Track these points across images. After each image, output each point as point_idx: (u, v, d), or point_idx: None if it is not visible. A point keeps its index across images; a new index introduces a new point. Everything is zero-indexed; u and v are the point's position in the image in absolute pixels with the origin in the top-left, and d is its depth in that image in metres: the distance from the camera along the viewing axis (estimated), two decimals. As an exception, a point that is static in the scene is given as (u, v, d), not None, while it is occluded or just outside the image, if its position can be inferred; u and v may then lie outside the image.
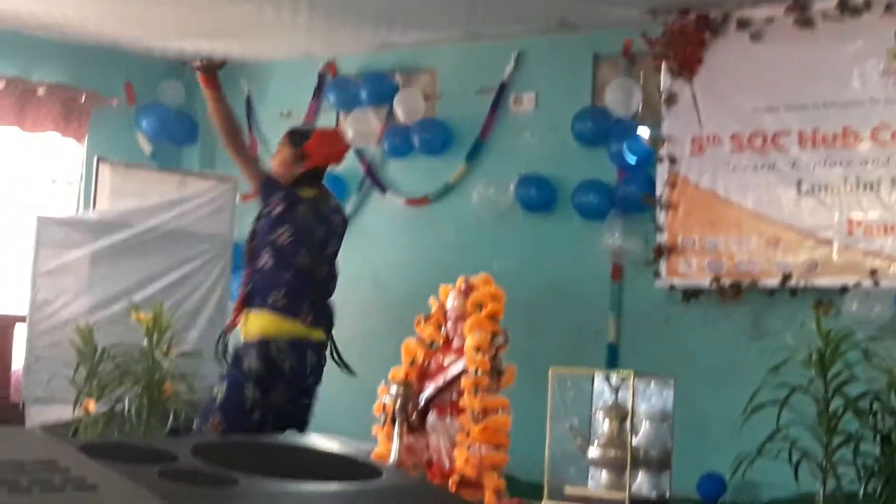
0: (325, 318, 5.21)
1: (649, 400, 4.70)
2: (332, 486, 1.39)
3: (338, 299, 5.28)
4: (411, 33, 8.60)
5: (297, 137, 5.38)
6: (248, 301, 5.17)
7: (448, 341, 5.60)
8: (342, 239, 5.37)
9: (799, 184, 7.32)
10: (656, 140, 7.79)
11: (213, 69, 5.52)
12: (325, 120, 9.04)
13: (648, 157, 7.86)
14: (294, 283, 5.12)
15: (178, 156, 9.69)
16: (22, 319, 7.99)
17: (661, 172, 7.74)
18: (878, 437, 4.37)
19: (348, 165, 7.53)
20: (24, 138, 8.96)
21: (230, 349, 5.19)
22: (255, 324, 5.12)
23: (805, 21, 7.32)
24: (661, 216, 7.71)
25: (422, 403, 5.47)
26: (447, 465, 5.33)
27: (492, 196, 8.35)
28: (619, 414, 4.60)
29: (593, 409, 4.69)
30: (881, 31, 7.14)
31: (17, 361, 8.02)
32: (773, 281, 7.33)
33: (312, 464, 1.47)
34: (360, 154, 8.95)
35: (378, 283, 8.64)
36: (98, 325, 7.16)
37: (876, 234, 7.08)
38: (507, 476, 5.44)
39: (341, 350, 5.21)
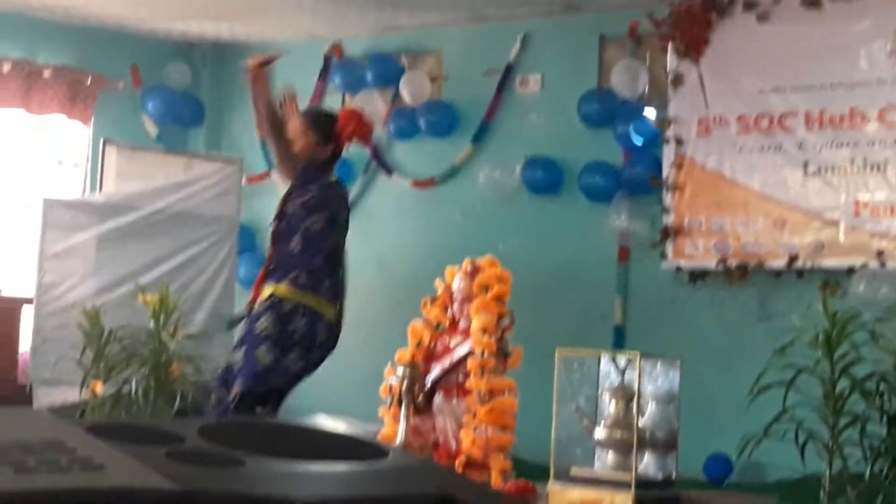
0: (342, 298, 5.35)
1: (655, 381, 4.70)
2: (339, 467, 1.39)
3: (344, 281, 5.36)
4: (417, 15, 8.58)
5: (320, 121, 5.47)
6: (268, 277, 5.26)
7: (454, 323, 5.61)
8: None
9: (805, 165, 7.31)
10: (662, 121, 7.77)
11: (269, 63, 5.55)
12: (331, 102, 9.03)
13: (655, 139, 7.85)
14: (320, 266, 5.28)
15: (184, 138, 9.69)
16: (29, 302, 8.00)
17: (668, 154, 7.73)
18: (885, 418, 4.37)
19: (354, 148, 7.52)
20: (30, 120, 8.97)
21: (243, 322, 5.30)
22: (271, 290, 5.24)
23: (812, 1, 7.30)
24: (668, 198, 7.70)
25: (428, 385, 5.48)
26: (454, 446, 5.34)
27: (498, 178, 8.35)
28: (626, 395, 4.61)
29: (600, 390, 4.69)
30: (888, 11, 7.11)
31: (25, 344, 8.04)
32: (779, 262, 7.33)
33: (319, 444, 1.48)
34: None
35: (384, 266, 8.64)
36: (105, 307, 7.17)
37: (883, 215, 7.07)
38: (513, 457, 5.45)
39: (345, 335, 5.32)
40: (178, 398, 6.28)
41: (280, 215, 5.35)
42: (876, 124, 7.12)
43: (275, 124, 5.45)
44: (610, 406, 4.58)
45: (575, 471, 4.50)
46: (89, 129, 9.13)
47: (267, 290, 5.28)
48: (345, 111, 5.79)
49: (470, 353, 5.36)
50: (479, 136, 8.57)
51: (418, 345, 5.64)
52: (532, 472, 5.69)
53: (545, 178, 8.22)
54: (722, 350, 7.39)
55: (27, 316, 8.03)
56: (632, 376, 4.54)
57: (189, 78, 9.56)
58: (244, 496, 0.86)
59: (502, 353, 5.36)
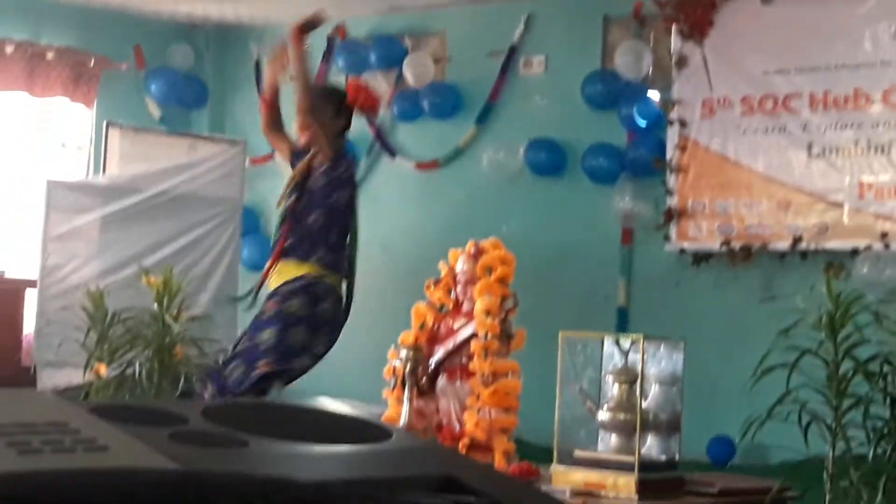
0: (353, 277, 5.49)
1: (659, 363, 4.70)
2: (342, 448, 1.39)
3: (347, 263, 5.41)
4: (420, -4, 8.58)
5: (331, 95, 5.55)
6: (288, 253, 5.30)
7: (458, 305, 5.61)
8: None
9: (810, 146, 7.30)
10: (666, 103, 7.76)
11: (314, 28, 5.57)
12: (334, 84, 9.02)
13: (659, 121, 7.84)
14: (339, 243, 5.40)
15: (187, 120, 9.68)
16: (33, 284, 8.01)
17: (672, 136, 7.72)
18: (888, 400, 4.38)
19: (357, 129, 7.52)
20: (34, 103, 8.96)
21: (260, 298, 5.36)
22: (300, 270, 5.32)
23: (816, -17, 7.28)
24: (672, 180, 7.70)
25: (432, 367, 5.49)
26: (457, 428, 5.34)
27: (501, 160, 8.34)
28: (629, 378, 4.61)
29: (603, 372, 4.69)
30: (893, -8, 7.10)
31: (29, 325, 8.05)
32: (783, 244, 7.32)
33: (323, 426, 1.48)
34: (369, 118, 8.94)
35: (387, 248, 8.64)
36: (108, 289, 7.17)
37: (887, 196, 7.06)
38: (516, 439, 5.46)
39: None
40: (182, 380, 6.28)
41: (299, 191, 5.38)
42: (880, 106, 7.10)
43: (310, 95, 5.48)
44: (613, 388, 4.58)
45: (578, 453, 4.50)
46: (92, 112, 9.13)
47: (292, 269, 5.31)
48: (351, 84, 5.85)
49: (473, 336, 5.36)
50: (483, 118, 8.56)
51: (422, 327, 5.64)
52: (535, 454, 5.70)
53: (549, 159, 8.21)
54: (725, 332, 7.39)
55: (31, 298, 8.04)
56: (635, 358, 4.54)
57: (192, 59, 9.55)
58: (247, 477, 0.86)
59: (506, 336, 5.36)
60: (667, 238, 7.71)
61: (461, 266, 5.55)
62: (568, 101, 8.17)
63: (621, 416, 4.51)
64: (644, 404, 4.53)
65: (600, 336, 4.85)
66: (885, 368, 4.42)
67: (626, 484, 4.29)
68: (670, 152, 7.71)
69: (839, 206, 7.19)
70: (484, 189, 8.45)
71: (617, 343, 4.67)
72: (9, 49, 8.66)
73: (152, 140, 8.85)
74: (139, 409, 1.34)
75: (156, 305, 6.53)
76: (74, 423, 1.18)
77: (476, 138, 8.57)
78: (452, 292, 5.63)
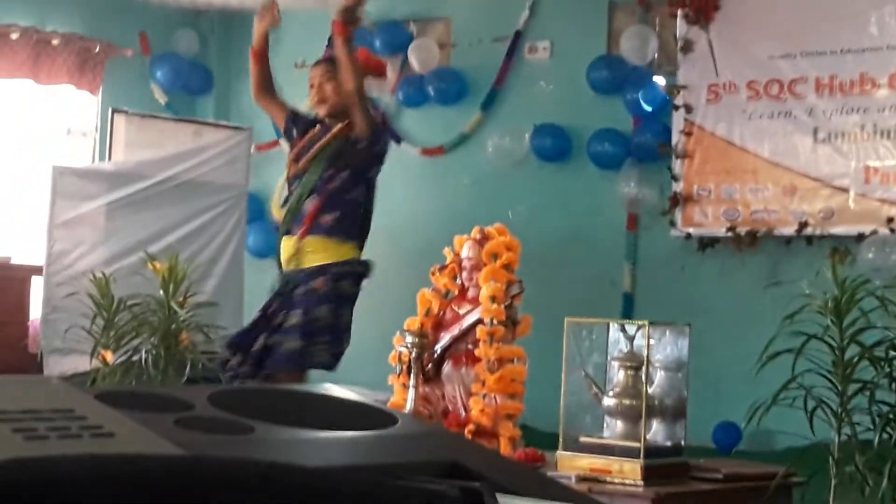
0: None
1: (664, 349, 4.70)
2: (348, 434, 1.40)
3: (353, 249, 5.44)
4: (425, -18, 8.56)
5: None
6: (331, 231, 5.30)
7: (463, 291, 5.60)
8: None
9: (815, 131, 7.29)
10: (672, 88, 7.75)
11: (356, 15, 5.54)
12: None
13: (664, 106, 7.83)
14: (369, 219, 5.51)
15: (192, 106, 9.68)
16: (39, 271, 8.02)
17: (677, 121, 7.72)
18: (894, 385, 4.37)
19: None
20: (39, 90, 8.95)
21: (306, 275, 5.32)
22: (348, 251, 5.36)
23: (822, -33, 7.27)
24: (677, 165, 7.69)
25: (437, 353, 5.49)
26: (463, 414, 5.35)
27: (507, 145, 8.34)
28: (635, 363, 4.61)
29: (608, 358, 4.69)
30: (900, -24, 7.08)
31: (35, 312, 8.06)
32: (789, 229, 7.32)
33: (329, 412, 1.48)
34: (374, 104, 8.93)
35: (393, 234, 8.64)
36: (114, 275, 7.18)
37: (893, 181, 7.05)
38: (522, 425, 5.46)
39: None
40: (189, 366, 6.29)
41: (332, 163, 5.37)
42: (886, 90, 7.09)
43: (361, 80, 5.50)
44: (619, 374, 4.57)
45: (584, 439, 4.50)
46: (98, 98, 9.13)
47: (339, 249, 5.33)
48: (360, 52, 5.85)
49: (479, 322, 5.36)
50: (488, 104, 8.55)
51: (427, 313, 5.64)
52: (541, 440, 5.70)
53: (554, 145, 8.20)
54: (731, 317, 7.39)
55: (37, 285, 8.05)
56: (640, 344, 4.54)
57: (197, 46, 9.54)
58: (253, 463, 0.86)
59: (511, 322, 5.36)
60: (672, 223, 7.70)
61: (467, 252, 5.55)
62: (573, 86, 8.16)
63: (627, 401, 4.51)
64: (650, 390, 4.53)
65: (606, 322, 4.84)
66: (891, 353, 4.42)
67: (631, 469, 4.30)
68: (676, 137, 7.70)
69: (845, 191, 7.18)
70: (489, 175, 8.44)
71: (622, 329, 4.67)
72: (14, 35, 8.65)
73: (158, 126, 8.85)
74: (145, 396, 1.35)
75: (162, 292, 6.54)
76: (81, 409, 1.19)
77: (481, 124, 8.57)
78: (458, 278, 5.62)
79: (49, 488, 0.82)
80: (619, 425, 4.52)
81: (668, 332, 4.73)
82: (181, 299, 6.34)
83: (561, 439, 4.59)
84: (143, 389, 1.37)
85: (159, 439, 1.15)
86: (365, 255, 5.59)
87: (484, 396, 5.23)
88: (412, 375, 5.33)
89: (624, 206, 7.94)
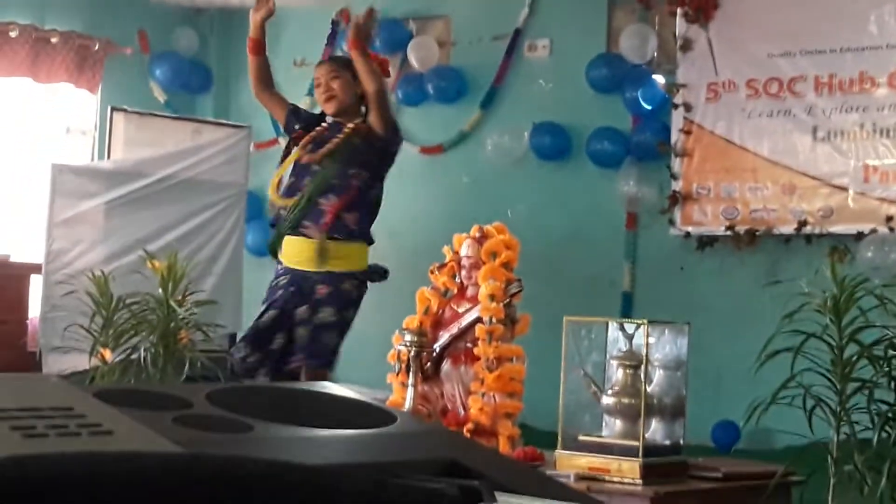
0: None
1: (663, 348, 4.69)
2: (347, 433, 1.40)
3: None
4: (425, -20, 8.55)
5: (347, 62, 5.58)
6: (357, 235, 5.38)
7: (462, 290, 5.60)
8: None
9: (815, 130, 7.29)
10: (671, 87, 7.75)
11: (368, 30, 5.60)
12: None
13: (663, 104, 7.83)
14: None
15: (192, 104, 9.68)
16: (38, 269, 8.01)
17: (676, 119, 7.72)
18: (893, 384, 4.37)
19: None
20: (38, 88, 8.95)
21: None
22: (366, 253, 5.58)
23: (822, -34, 7.26)
24: (676, 164, 7.69)
25: (436, 352, 5.49)
26: (462, 413, 5.34)
27: (506, 144, 8.33)
28: (633, 362, 4.61)
29: (607, 357, 4.69)
30: (899, -25, 7.08)
31: (34, 310, 8.05)
32: (788, 228, 7.32)
33: (327, 410, 1.48)
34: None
35: (392, 232, 8.64)
36: (113, 274, 7.17)
37: (892, 180, 7.05)
38: (521, 424, 5.46)
39: None
40: (187, 365, 6.28)
41: (357, 165, 5.43)
42: (886, 89, 7.09)
43: (381, 78, 5.52)
44: (618, 373, 4.57)
45: (583, 438, 4.50)
46: (97, 96, 9.13)
47: (362, 254, 5.48)
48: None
49: (478, 320, 5.36)
50: (488, 102, 8.55)
51: (426, 312, 5.63)
52: (540, 438, 5.70)
53: (553, 143, 8.20)
54: (730, 316, 7.39)
55: (36, 283, 8.04)
56: (639, 343, 4.54)
57: (197, 44, 9.54)
58: (251, 461, 0.86)
59: (510, 320, 5.35)
60: (671, 222, 7.70)
61: (466, 250, 5.54)
62: (573, 84, 8.16)
63: (626, 400, 4.51)
64: (648, 389, 4.53)
65: (605, 321, 4.84)
66: (890, 352, 4.42)
67: (630, 468, 4.29)
68: (675, 136, 7.70)
69: (844, 189, 7.18)
70: (488, 173, 8.44)
71: (621, 327, 4.67)
72: (13, 33, 8.64)
73: (157, 125, 8.85)
74: (144, 394, 1.35)
75: (161, 290, 6.54)
76: (79, 407, 1.19)
77: (481, 122, 8.56)
78: (457, 277, 5.62)
79: (47, 486, 0.82)
80: (618, 424, 4.52)
81: (667, 331, 4.73)
82: (180, 298, 6.33)
83: (560, 438, 4.59)
84: (141, 387, 1.37)
85: (158, 437, 1.15)
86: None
87: (483, 395, 5.23)
88: (411, 374, 5.33)
89: (623, 204, 7.93)
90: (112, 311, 6.55)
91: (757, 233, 7.40)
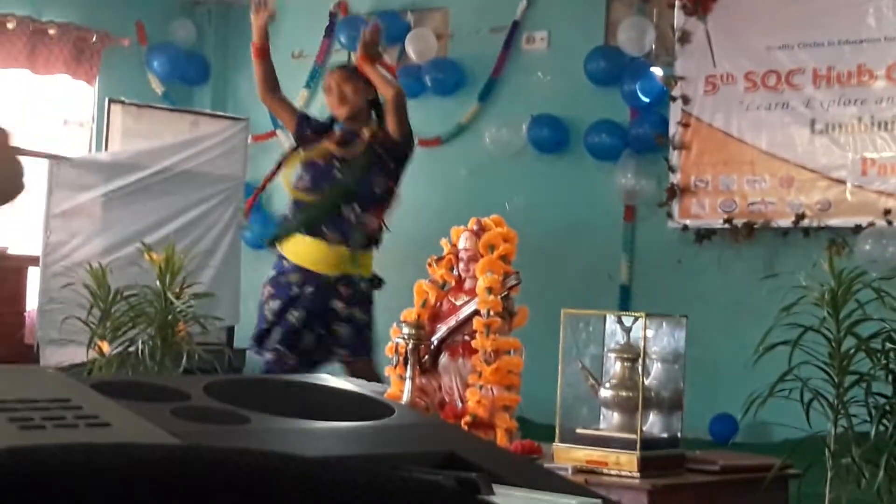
0: None
1: (661, 341, 4.69)
2: (345, 425, 1.39)
3: (350, 240, 5.56)
4: (423, -28, 8.54)
5: (356, 69, 5.63)
6: (378, 242, 5.69)
7: (460, 282, 5.60)
8: None
9: (813, 123, 7.28)
10: (669, 79, 7.74)
11: (376, 46, 5.65)
12: (337, 59, 9.00)
13: (662, 97, 7.82)
14: None
15: (189, 96, 9.67)
16: (35, 261, 8.01)
17: (675, 112, 7.71)
18: (891, 377, 4.37)
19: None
20: (35, 80, 8.94)
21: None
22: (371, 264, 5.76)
23: (820, -42, 7.26)
24: (674, 156, 7.69)
25: (434, 344, 5.49)
26: (459, 405, 5.34)
27: (504, 136, 8.33)
28: (631, 355, 4.60)
29: (605, 350, 4.68)
30: (897, -32, 7.07)
31: (31, 303, 8.05)
32: (786, 221, 7.32)
33: (325, 403, 1.48)
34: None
35: (390, 225, 8.63)
36: (111, 266, 7.17)
37: (890, 173, 7.05)
38: (518, 417, 5.46)
39: None
40: (185, 357, 6.28)
41: (381, 173, 5.53)
42: (884, 82, 7.09)
43: (397, 86, 5.65)
44: (615, 366, 4.57)
45: (580, 430, 4.50)
46: (94, 88, 9.12)
47: (372, 257, 5.70)
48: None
49: (476, 313, 5.35)
50: (486, 95, 8.54)
51: (424, 304, 5.63)
52: (538, 431, 5.70)
53: (551, 136, 8.20)
54: (728, 309, 7.39)
55: (33, 275, 8.04)
56: (637, 336, 4.53)
57: (194, 35, 9.53)
58: (248, 453, 0.86)
59: (508, 313, 5.35)
60: (669, 215, 7.70)
61: (463, 243, 5.54)
62: (571, 77, 8.15)
63: (623, 393, 4.51)
64: (646, 382, 4.53)
65: (602, 313, 4.84)
66: (888, 345, 4.42)
67: (628, 461, 4.29)
68: (673, 129, 7.70)
69: (842, 182, 7.18)
70: (486, 166, 8.43)
71: (619, 320, 4.66)
72: (10, 25, 8.63)
73: (155, 117, 8.84)
74: (141, 386, 1.35)
75: (158, 283, 6.53)
76: (77, 399, 1.18)
77: (478, 115, 8.56)
78: (455, 269, 5.62)
79: (44, 478, 0.82)
80: (616, 417, 4.52)
81: (664, 324, 4.72)
82: (178, 290, 6.33)
83: (557, 431, 4.58)
84: (139, 379, 1.37)
85: (155, 429, 1.15)
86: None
87: (480, 388, 5.22)
88: (409, 366, 5.33)
89: (621, 197, 7.93)
90: (110, 303, 6.54)
91: (755, 226, 7.40)
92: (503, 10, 8.49)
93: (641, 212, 7.95)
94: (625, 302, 7.82)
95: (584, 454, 4.43)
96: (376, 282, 5.78)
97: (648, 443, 4.39)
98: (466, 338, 5.36)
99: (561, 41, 8.34)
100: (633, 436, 4.37)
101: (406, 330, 5.42)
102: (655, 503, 4.07)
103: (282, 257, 5.61)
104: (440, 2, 8.85)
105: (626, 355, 4.56)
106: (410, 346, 5.34)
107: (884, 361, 4.40)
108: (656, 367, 4.62)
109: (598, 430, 4.52)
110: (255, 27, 5.68)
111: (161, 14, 9.43)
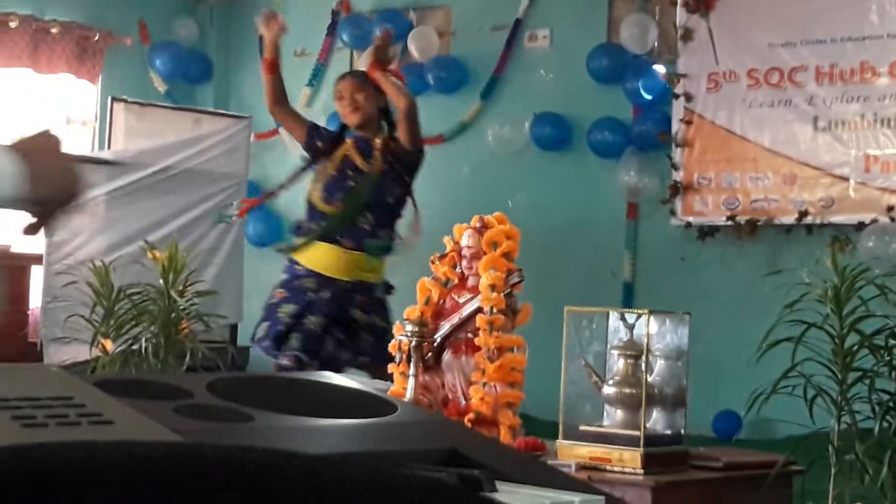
0: None
1: (664, 338, 4.68)
2: (348, 422, 1.39)
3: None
4: (425, -30, 8.54)
5: (367, 75, 5.65)
6: (390, 249, 5.72)
7: (463, 280, 5.60)
8: None
9: (815, 120, 7.28)
10: (672, 77, 7.74)
11: (386, 54, 5.68)
12: (339, 58, 9.00)
13: (664, 94, 7.82)
14: None
15: (192, 95, 9.67)
16: (38, 259, 8.01)
17: (677, 109, 7.71)
18: (894, 374, 4.37)
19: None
20: (38, 79, 8.94)
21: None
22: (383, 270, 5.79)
23: (823, -45, 7.25)
24: (677, 154, 7.68)
25: (437, 342, 5.49)
26: (463, 402, 5.34)
27: (507, 134, 8.33)
28: (634, 352, 4.60)
29: (608, 347, 4.68)
30: (900, -36, 7.07)
31: (35, 301, 8.05)
32: (789, 218, 7.32)
33: (328, 400, 1.48)
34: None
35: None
36: (114, 264, 7.17)
37: (893, 170, 7.04)
38: (522, 414, 5.46)
39: None
40: (188, 355, 6.28)
41: (395, 183, 5.59)
42: (887, 79, 7.08)
43: (408, 95, 5.66)
44: (618, 363, 4.57)
45: (584, 427, 4.50)
46: (97, 87, 9.12)
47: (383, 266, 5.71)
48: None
49: (479, 310, 5.35)
50: (488, 92, 8.54)
51: (427, 302, 5.63)
52: (541, 428, 5.69)
53: (554, 134, 8.20)
54: (731, 306, 7.38)
55: (37, 273, 8.05)
56: (640, 333, 4.53)
57: (197, 34, 9.53)
58: (251, 450, 0.86)
59: (511, 310, 5.35)
60: (672, 212, 7.70)
61: (466, 241, 5.54)
62: (573, 74, 8.15)
63: (627, 390, 4.51)
64: (649, 379, 4.53)
65: (605, 311, 4.84)
66: (891, 342, 4.42)
67: (631, 458, 4.29)
68: (676, 126, 7.69)
69: (845, 179, 7.17)
70: (489, 164, 8.43)
71: (622, 318, 4.66)
72: (13, 24, 8.64)
73: (157, 115, 8.84)
74: (145, 384, 1.35)
75: (161, 281, 6.54)
76: (80, 397, 1.18)
77: (481, 113, 8.55)
78: (458, 267, 5.62)
79: (47, 476, 0.82)
80: (619, 414, 4.52)
81: (667, 321, 4.72)
82: (181, 288, 6.33)
83: (561, 428, 4.58)
84: (142, 377, 1.37)
85: (158, 427, 1.15)
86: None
87: (484, 385, 5.23)
88: (412, 364, 5.33)
89: (624, 194, 7.93)
90: (113, 301, 6.55)
91: (758, 223, 7.40)
92: (505, 7, 8.49)
93: (644, 209, 7.95)
94: (628, 299, 7.82)
95: (587, 451, 4.43)
96: (387, 288, 5.85)
97: (652, 439, 4.39)
98: (470, 335, 5.36)
99: (563, 39, 8.34)
100: (636, 432, 4.37)
101: (409, 327, 5.42)
102: (659, 500, 4.06)
103: (293, 262, 5.63)
104: (443, 0, 8.86)
105: (629, 352, 4.56)
106: (414, 343, 5.34)
107: (887, 358, 4.40)
108: (659, 364, 4.62)
109: (601, 426, 4.52)
110: (267, 42, 5.69)
111: (163, 13, 9.43)
